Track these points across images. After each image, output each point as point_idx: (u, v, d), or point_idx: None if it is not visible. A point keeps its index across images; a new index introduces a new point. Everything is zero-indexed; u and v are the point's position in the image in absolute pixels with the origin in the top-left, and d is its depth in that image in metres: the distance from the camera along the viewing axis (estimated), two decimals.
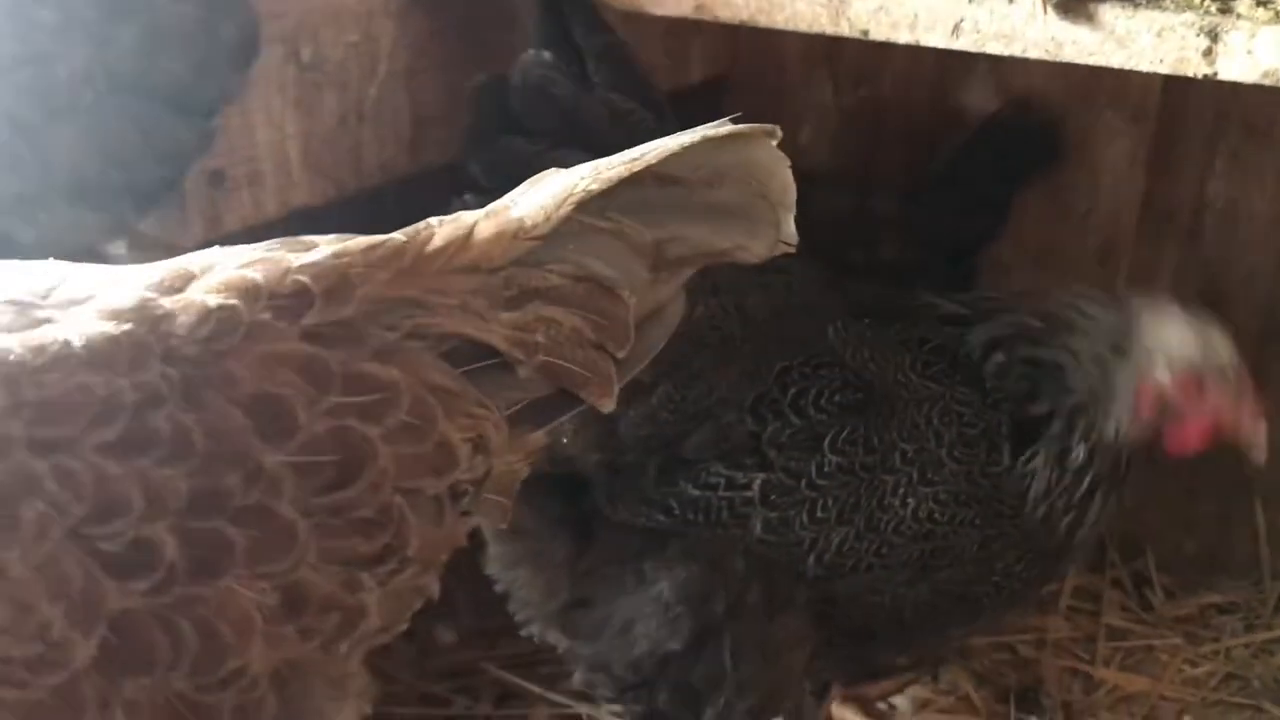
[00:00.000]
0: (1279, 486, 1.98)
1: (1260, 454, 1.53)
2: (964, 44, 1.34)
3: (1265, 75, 1.22)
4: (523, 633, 1.65)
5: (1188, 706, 2.08)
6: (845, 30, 1.39)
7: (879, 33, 1.38)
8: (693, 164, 1.02)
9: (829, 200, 1.90)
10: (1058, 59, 1.31)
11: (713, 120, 2.43)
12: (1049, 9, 1.27)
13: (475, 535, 2.30)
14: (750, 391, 1.45)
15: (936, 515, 1.48)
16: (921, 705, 2.03)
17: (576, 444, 1.44)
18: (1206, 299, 2.20)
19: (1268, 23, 1.22)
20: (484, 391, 0.99)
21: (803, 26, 1.42)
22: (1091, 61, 1.30)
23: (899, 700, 2.05)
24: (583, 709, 2.06)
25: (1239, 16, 1.24)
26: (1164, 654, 2.20)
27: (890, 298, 1.65)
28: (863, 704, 1.96)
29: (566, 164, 1.03)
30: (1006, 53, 1.32)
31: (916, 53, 1.61)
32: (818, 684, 1.67)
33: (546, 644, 1.65)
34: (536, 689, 2.12)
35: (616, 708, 1.69)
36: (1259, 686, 2.12)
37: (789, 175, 1.06)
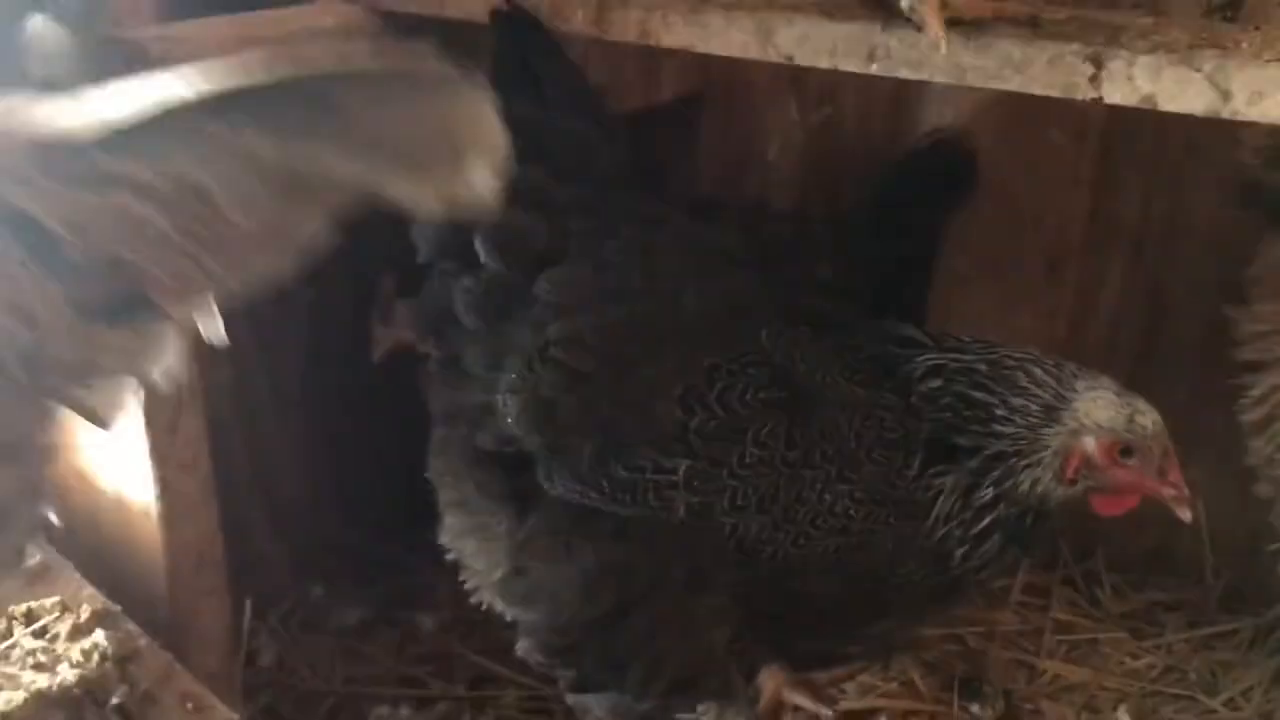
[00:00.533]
0: (1221, 491, 2.07)
1: (1186, 517, 1.60)
2: (878, 70, 1.45)
3: (1144, 100, 1.34)
4: (473, 600, 1.76)
5: (1125, 696, 2.18)
6: (772, 56, 1.51)
7: (803, 59, 1.50)
8: (365, 93, 0.92)
9: (773, 224, 2.03)
10: (962, 83, 1.43)
11: (683, 139, 2.53)
12: (950, 38, 1.39)
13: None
14: (680, 384, 1.56)
15: (852, 512, 1.56)
16: (867, 690, 2.14)
17: (520, 425, 1.56)
18: (1152, 310, 2.32)
19: (1146, 52, 1.34)
20: (49, 271, 0.92)
21: (735, 52, 1.54)
22: (992, 85, 1.42)
23: (849, 686, 2.16)
24: (549, 690, 2.17)
25: (1121, 46, 1.36)
26: (1108, 647, 2.30)
27: (835, 312, 1.73)
28: (812, 689, 2.06)
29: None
30: (916, 77, 1.44)
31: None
32: (745, 665, 1.77)
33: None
34: (508, 673, 2.22)
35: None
36: (1195, 679, 2.22)
37: (490, 122, 0.95)
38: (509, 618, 1.70)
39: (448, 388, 1.75)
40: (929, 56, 1.42)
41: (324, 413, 2.38)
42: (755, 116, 2.51)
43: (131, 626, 1.69)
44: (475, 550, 1.67)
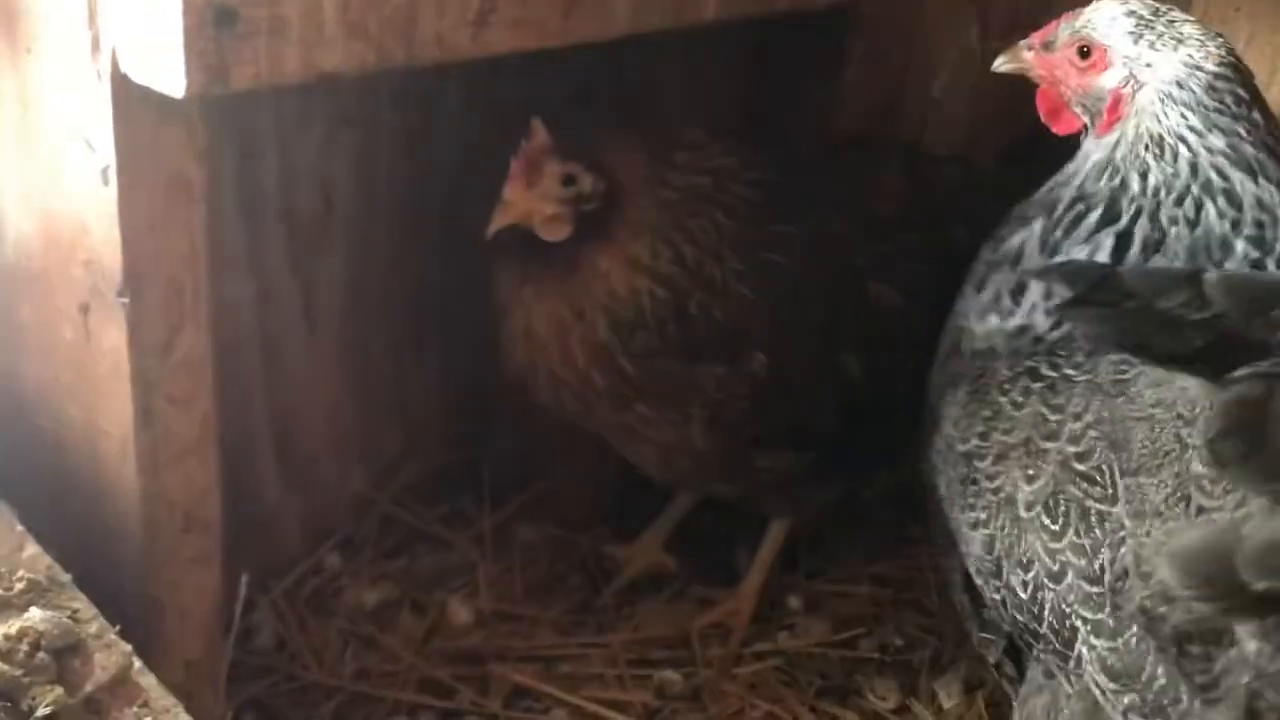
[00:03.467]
0: None
1: None
2: None
3: None
4: None
5: None
6: None
7: None
8: None
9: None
10: None
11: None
12: None
13: (507, 508, 2.10)
14: None
15: None
16: None
17: None
18: None
19: None
20: None
21: None
22: None
23: None
24: (611, 715, 1.82)
25: None
26: None
27: None
28: None
29: None
30: None
31: None
32: None
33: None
34: (554, 691, 1.85)
35: None
36: None
37: None
38: None
39: None
40: None
41: (363, 348, 1.99)
42: (919, 41, 2.06)
43: (82, 603, 1.28)
44: None
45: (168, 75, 1.17)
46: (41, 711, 1.14)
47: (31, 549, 1.31)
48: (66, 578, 1.29)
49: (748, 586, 1.97)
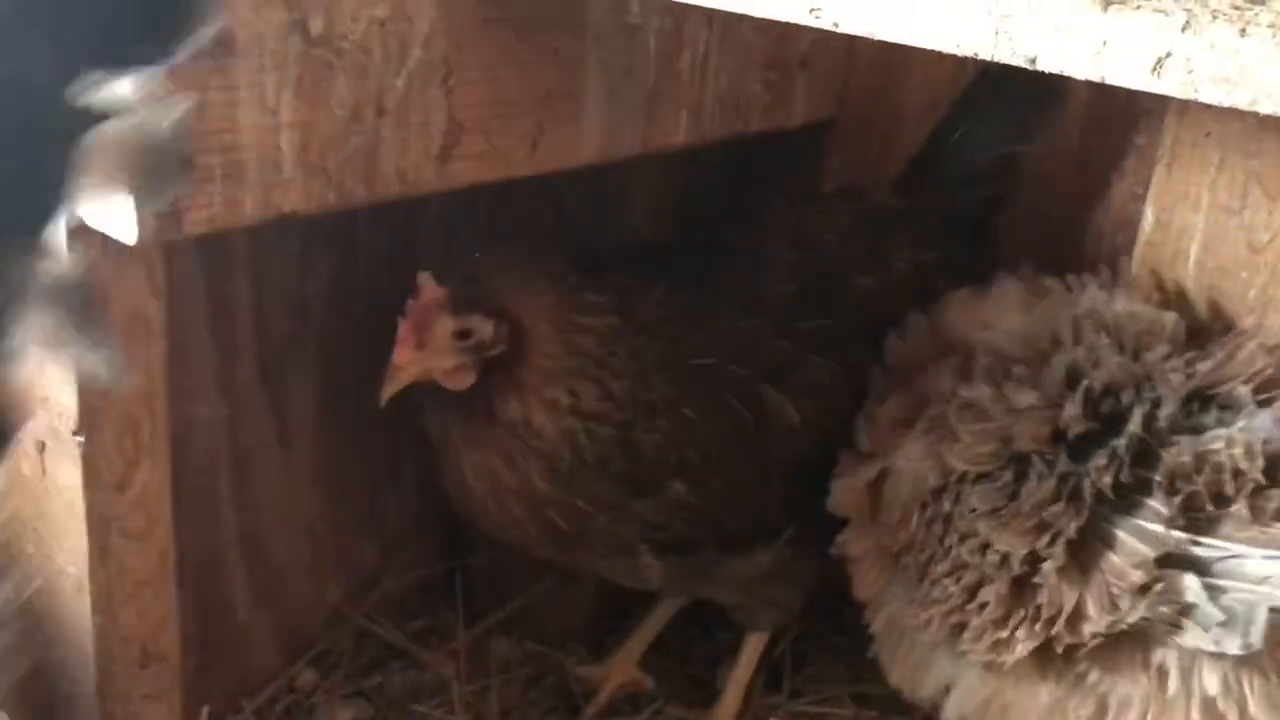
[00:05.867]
0: None
1: None
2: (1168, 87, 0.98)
3: None
4: None
5: None
6: (1006, 55, 1.05)
7: (1051, 61, 1.03)
8: None
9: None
10: None
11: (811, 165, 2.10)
12: None
13: (485, 621, 2.05)
14: None
15: None
16: None
17: None
18: None
19: None
20: None
21: (947, 47, 1.08)
22: None
23: None
24: None
25: None
26: None
27: None
28: None
29: None
30: (1228, 103, 0.97)
31: None
32: None
33: None
34: None
35: None
36: None
37: None
38: None
39: None
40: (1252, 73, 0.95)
41: (338, 464, 1.96)
42: (898, 143, 2.05)
43: None
44: None
45: (120, 223, 1.17)
46: None
47: None
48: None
49: (723, 709, 1.91)
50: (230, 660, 1.86)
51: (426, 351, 1.52)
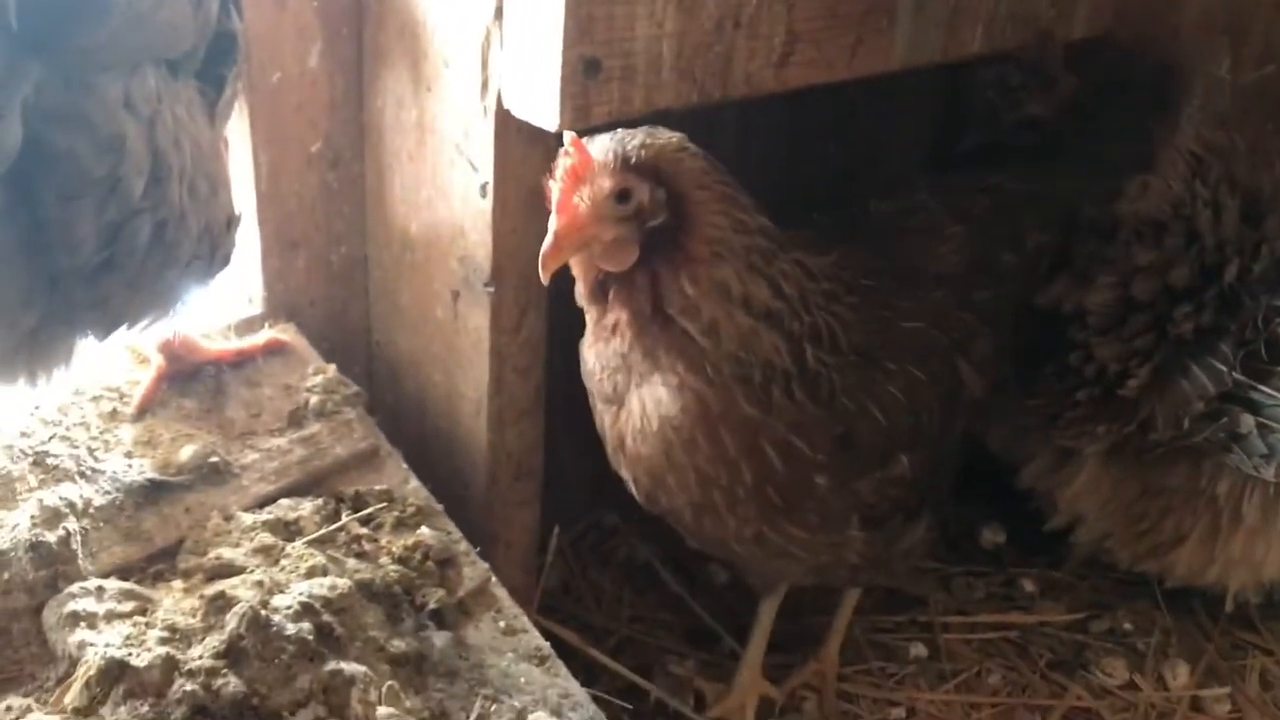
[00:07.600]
0: None
1: None
2: None
3: None
4: None
5: None
6: None
7: None
8: None
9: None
10: None
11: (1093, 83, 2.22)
12: None
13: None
14: None
15: None
16: None
17: None
18: None
19: None
20: None
21: None
22: None
23: None
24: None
25: None
26: None
27: None
28: None
29: None
30: None
31: None
32: None
33: None
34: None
35: None
36: None
37: None
38: None
39: None
40: None
41: None
42: (1175, 65, 2.15)
43: (453, 529, 1.59)
44: None
45: (544, 112, 1.46)
46: (431, 606, 1.46)
47: (414, 483, 1.63)
48: (439, 507, 1.61)
49: (828, 653, 2.05)
50: (552, 496, 2.18)
51: (588, 216, 1.37)
